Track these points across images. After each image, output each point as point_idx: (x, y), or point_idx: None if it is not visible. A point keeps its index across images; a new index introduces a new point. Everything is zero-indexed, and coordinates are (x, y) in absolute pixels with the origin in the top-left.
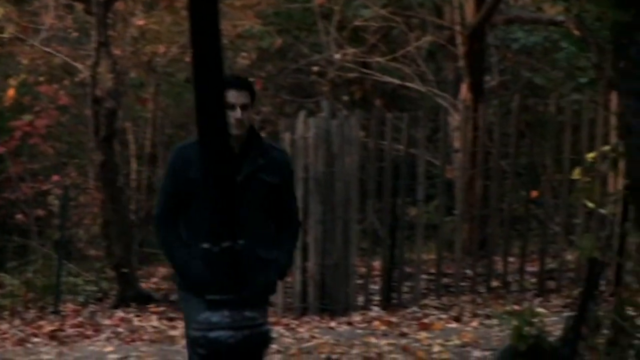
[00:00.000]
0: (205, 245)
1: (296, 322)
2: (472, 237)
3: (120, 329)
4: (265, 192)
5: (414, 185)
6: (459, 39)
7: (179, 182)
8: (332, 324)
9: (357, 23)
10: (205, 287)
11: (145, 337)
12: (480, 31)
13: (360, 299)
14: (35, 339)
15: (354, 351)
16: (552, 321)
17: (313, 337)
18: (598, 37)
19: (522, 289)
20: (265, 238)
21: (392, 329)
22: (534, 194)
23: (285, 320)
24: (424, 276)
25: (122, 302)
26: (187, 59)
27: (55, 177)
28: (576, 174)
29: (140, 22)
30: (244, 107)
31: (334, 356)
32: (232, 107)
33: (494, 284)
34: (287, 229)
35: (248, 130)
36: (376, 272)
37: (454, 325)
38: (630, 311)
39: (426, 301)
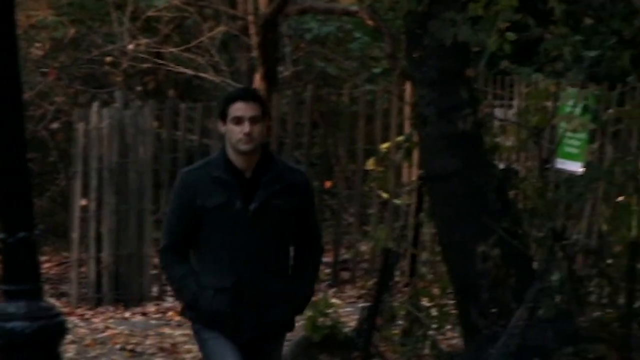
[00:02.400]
0: (0, 236)
1: (91, 312)
2: None
3: None
4: (280, 219)
5: None
6: (252, 29)
7: (186, 210)
8: (127, 314)
9: (150, 13)
10: (218, 320)
11: None
12: (273, 21)
13: (155, 290)
14: None
15: (149, 342)
16: (347, 312)
17: (108, 328)
18: (392, 27)
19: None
20: (281, 269)
21: (186, 320)
22: (328, 184)
23: (79, 311)
24: None
25: None
26: None
27: None
28: (370, 164)
29: None
30: (253, 121)
31: (128, 347)
32: (239, 120)
33: None
34: (306, 256)
35: (261, 151)
36: None
37: None
38: (425, 302)
39: None
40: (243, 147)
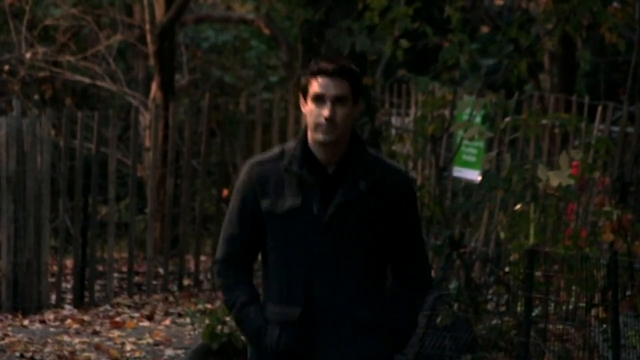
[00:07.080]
0: None
1: None
2: (163, 235)
3: None
4: (367, 229)
5: (105, 184)
6: (149, 38)
7: (248, 213)
8: (25, 322)
9: (47, 22)
10: None
11: None
12: (170, 30)
13: (53, 298)
14: None
15: (47, 349)
16: None
17: (6, 336)
18: (288, 35)
19: (213, 287)
20: (369, 293)
21: (85, 328)
22: (225, 192)
23: None
24: (116, 275)
25: None
26: None
27: None
28: None
29: None
30: (337, 101)
31: (27, 354)
32: (320, 99)
33: (186, 282)
34: (407, 279)
35: (349, 140)
36: (68, 271)
37: (146, 323)
38: None
39: (118, 299)
40: (321, 136)
